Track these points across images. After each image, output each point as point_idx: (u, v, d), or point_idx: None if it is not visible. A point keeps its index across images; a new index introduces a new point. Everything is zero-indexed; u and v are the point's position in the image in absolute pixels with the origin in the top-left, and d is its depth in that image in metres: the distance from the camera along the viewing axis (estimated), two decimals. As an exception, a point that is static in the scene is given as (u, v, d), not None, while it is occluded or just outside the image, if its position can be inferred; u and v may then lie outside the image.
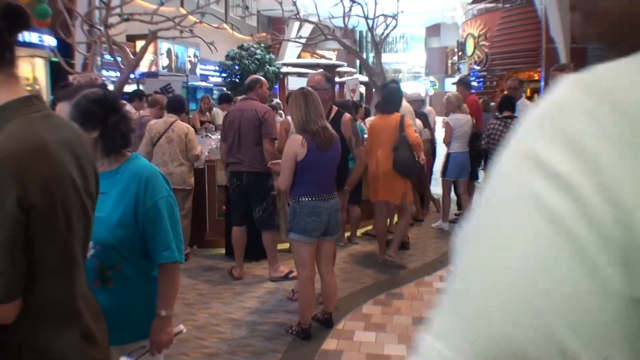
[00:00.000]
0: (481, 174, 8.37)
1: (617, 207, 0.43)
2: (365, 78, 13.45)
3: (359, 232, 7.28)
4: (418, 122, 7.22)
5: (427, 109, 8.73)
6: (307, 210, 4.08)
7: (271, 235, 5.57)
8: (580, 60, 14.24)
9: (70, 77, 10.00)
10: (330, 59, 27.58)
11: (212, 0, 12.97)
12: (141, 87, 11.82)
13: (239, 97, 7.61)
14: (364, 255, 6.56)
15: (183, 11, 12.24)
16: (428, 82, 33.59)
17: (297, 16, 11.94)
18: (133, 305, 2.37)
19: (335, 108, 4.96)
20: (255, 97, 5.71)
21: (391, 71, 38.55)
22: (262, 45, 20.55)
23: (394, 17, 12.10)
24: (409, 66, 38.46)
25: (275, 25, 28.38)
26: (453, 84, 18.70)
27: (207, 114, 10.05)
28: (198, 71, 23.27)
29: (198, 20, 11.90)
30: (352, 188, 4.96)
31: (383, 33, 12.38)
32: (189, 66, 22.53)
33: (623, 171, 0.44)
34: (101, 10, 10.55)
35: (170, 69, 20.58)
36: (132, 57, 10.26)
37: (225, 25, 13.89)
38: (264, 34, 21.78)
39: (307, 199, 4.09)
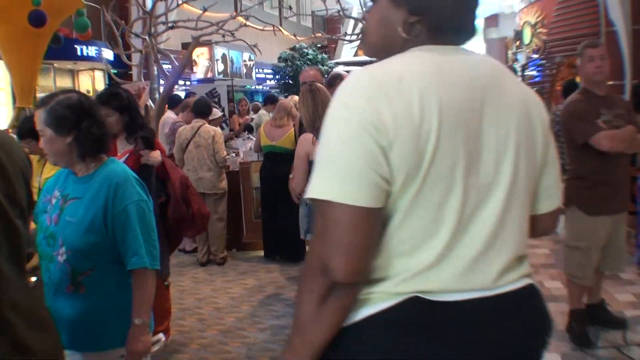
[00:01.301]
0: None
1: (375, 110, 1.14)
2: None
3: None
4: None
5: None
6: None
7: None
8: (643, 41, 13.51)
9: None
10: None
11: (257, 3, 12.98)
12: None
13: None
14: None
15: (240, 19, 12.30)
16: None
17: (340, 14, 11.82)
18: (108, 311, 2.33)
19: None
20: (331, 94, 5.59)
21: (450, 65, 37.71)
22: (317, 45, 20.52)
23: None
24: (468, 58, 37.55)
25: (330, 25, 28.34)
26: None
27: (247, 116, 10.06)
28: (254, 75, 23.49)
29: (243, 23, 11.93)
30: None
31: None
32: (244, 70, 22.76)
33: (380, 102, 1.15)
34: (148, 20, 10.70)
35: (226, 74, 20.84)
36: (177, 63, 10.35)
37: (280, 28, 13.86)
38: (319, 33, 21.72)
39: (323, 199, 3.97)
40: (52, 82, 15.74)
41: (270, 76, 22.85)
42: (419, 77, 1.19)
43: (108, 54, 14.63)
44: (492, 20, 33.52)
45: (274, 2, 23.16)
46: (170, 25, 10.95)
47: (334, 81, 5.70)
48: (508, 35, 28.90)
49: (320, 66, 19.37)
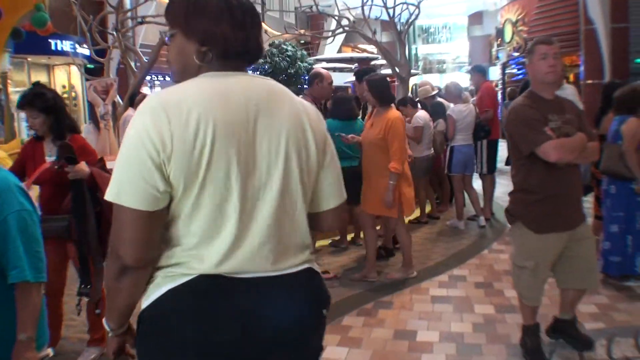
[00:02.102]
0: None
1: (156, 129, 1.41)
2: (388, 71, 12.93)
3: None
4: (423, 113, 6.85)
5: (442, 100, 8.27)
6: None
7: None
8: (622, 39, 13.44)
9: (88, 83, 9.99)
10: (372, 52, 27.07)
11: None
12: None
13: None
14: (360, 259, 6.15)
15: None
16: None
17: (313, 9, 11.63)
18: None
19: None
20: (309, 94, 5.55)
21: (435, 62, 37.65)
22: (300, 41, 20.31)
23: (417, 5, 11.58)
24: (452, 56, 37.34)
25: (314, 21, 28.12)
26: (467, 72, 17.91)
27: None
28: (235, 71, 23.23)
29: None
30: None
31: (408, 21, 11.87)
32: (225, 67, 22.48)
33: (161, 123, 1.41)
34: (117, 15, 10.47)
35: (206, 70, 20.56)
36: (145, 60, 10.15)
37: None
38: (303, 30, 21.53)
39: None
40: (26, 76, 15.44)
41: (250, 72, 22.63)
42: (198, 100, 1.46)
43: (83, 49, 14.35)
44: (477, 18, 33.38)
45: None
46: (139, 20, 10.73)
47: (313, 80, 5.60)
48: (492, 32, 28.79)
49: (299, 62, 19.19)
